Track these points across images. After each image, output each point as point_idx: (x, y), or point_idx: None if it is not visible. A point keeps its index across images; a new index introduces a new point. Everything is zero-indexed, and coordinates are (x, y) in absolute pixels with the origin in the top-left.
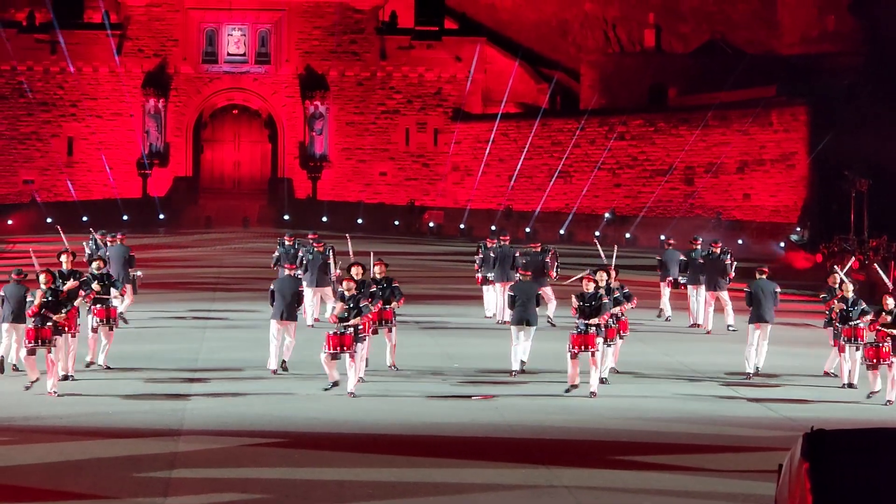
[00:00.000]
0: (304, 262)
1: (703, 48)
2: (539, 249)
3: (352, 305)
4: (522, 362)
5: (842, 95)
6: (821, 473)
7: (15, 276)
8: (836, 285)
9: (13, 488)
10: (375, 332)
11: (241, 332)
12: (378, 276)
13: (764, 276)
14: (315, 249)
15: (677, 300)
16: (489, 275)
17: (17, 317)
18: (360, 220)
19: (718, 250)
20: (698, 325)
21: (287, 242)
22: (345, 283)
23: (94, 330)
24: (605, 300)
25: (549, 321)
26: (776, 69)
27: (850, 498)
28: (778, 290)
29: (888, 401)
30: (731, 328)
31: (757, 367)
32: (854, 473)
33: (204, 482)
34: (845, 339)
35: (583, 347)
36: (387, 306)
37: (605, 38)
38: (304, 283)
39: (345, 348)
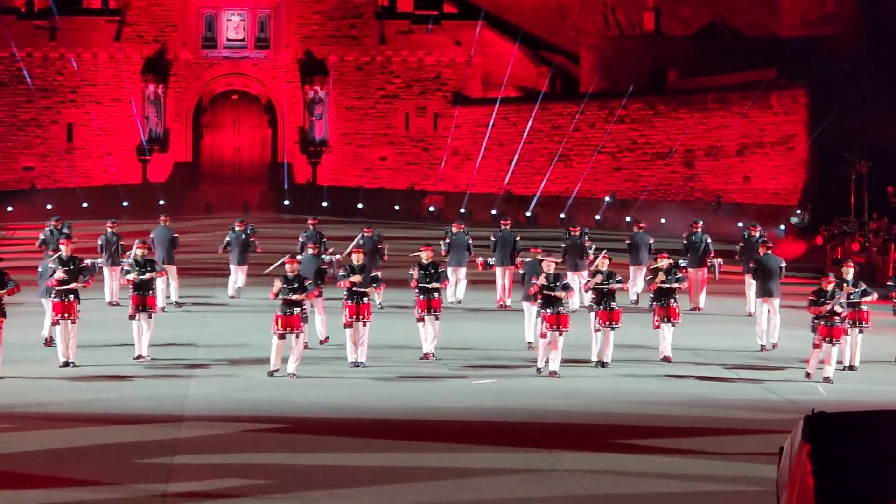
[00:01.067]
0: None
1: (703, 31)
2: (578, 233)
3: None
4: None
5: (842, 78)
6: (822, 455)
7: (52, 253)
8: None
9: (15, 475)
10: (422, 320)
11: (242, 318)
12: (425, 262)
13: (770, 252)
14: (365, 235)
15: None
16: (490, 259)
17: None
18: (360, 205)
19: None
20: (699, 309)
21: (238, 228)
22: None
23: (132, 317)
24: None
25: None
26: (776, 52)
27: (851, 479)
28: (783, 265)
29: (826, 378)
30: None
31: (773, 343)
32: (855, 455)
33: (206, 468)
34: (849, 322)
35: (609, 323)
36: (434, 294)
37: (604, 22)
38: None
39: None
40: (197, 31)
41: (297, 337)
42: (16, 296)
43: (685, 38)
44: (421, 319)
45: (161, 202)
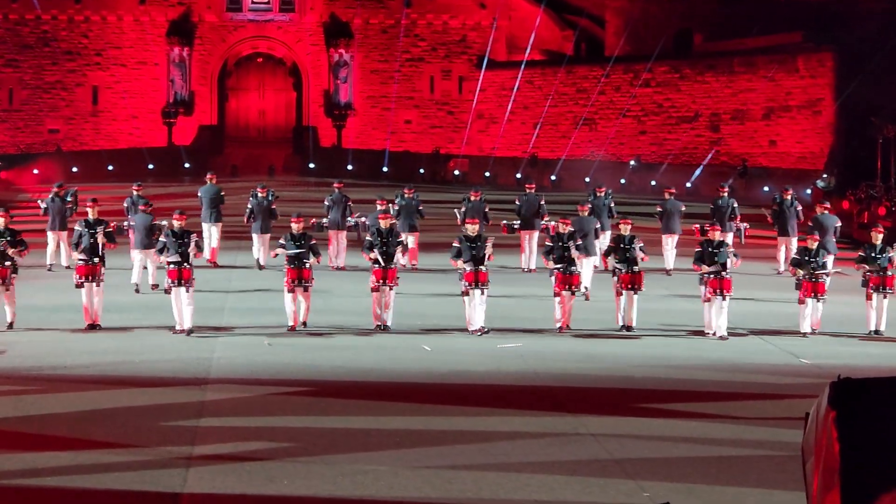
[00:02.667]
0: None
1: None
2: (603, 193)
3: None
4: (586, 288)
5: (869, 41)
6: (848, 422)
7: (142, 207)
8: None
9: (41, 437)
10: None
11: (267, 282)
12: (383, 228)
13: (826, 212)
14: (405, 195)
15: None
16: (515, 223)
17: (146, 244)
18: (385, 168)
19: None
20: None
21: (260, 194)
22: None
23: (168, 291)
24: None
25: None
26: (803, 15)
27: (878, 446)
28: (839, 224)
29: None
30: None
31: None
32: (882, 421)
33: (231, 430)
34: (873, 286)
35: (631, 286)
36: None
37: None
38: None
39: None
40: None
41: (305, 290)
42: (43, 258)
43: (711, 0)
44: (466, 293)
45: (186, 165)
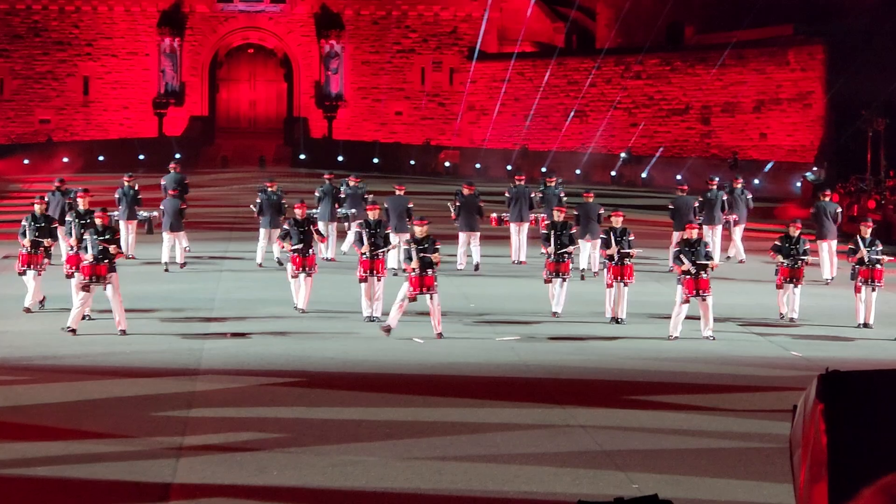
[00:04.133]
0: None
1: None
2: (554, 182)
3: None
4: (588, 269)
5: (860, 34)
6: (835, 414)
7: (171, 192)
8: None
9: (32, 427)
10: (365, 280)
11: (258, 273)
12: (371, 220)
13: (828, 199)
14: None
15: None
16: (505, 215)
17: (175, 226)
18: (375, 160)
19: (739, 187)
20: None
21: (270, 189)
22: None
23: (295, 276)
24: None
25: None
26: (793, 8)
27: (865, 439)
28: (840, 210)
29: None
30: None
31: (832, 277)
32: (869, 414)
33: (221, 421)
34: (861, 280)
35: (621, 278)
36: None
37: None
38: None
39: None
40: None
41: (308, 276)
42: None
43: None
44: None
45: (177, 156)
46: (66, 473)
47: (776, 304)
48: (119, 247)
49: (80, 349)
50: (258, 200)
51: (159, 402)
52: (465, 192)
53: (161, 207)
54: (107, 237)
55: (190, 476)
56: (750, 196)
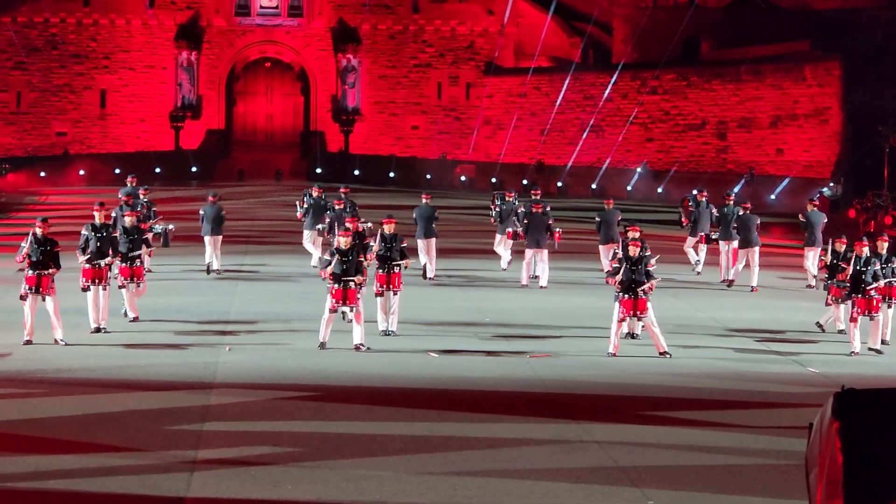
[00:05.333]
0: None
1: (737, 2)
2: (513, 197)
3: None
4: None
5: (876, 50)
6: (851, 433)
7: (211, 199)
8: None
9: (46, 440)
10: (381, 294)
11: (274, 286)
12: (387, 233)
13: (815, 209)
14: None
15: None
16: (520, 229)
17: (215, 230)
18: (391, 174)
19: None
20: (731, 282)
21: (315, 194)
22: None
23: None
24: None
25: None
26: (810, 24)
27: (881, 457)
28: (825, 220)
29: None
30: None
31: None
32: (885, 433)
33: (236, 435)
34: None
35: (635, 313)
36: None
37: None
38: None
39: (347, 302)
40: None
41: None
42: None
43: (719, 8)
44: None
45: (193, 169)
46: (80, 487)
47: (791, 320)
48: (56, 263)
49: (95, 362)
50: (304, 205)
51: (173, 416)
52: (533, 209)
53: (201, 212)
54: (47, 248)
55: (204, 490)
56: (715, 210)
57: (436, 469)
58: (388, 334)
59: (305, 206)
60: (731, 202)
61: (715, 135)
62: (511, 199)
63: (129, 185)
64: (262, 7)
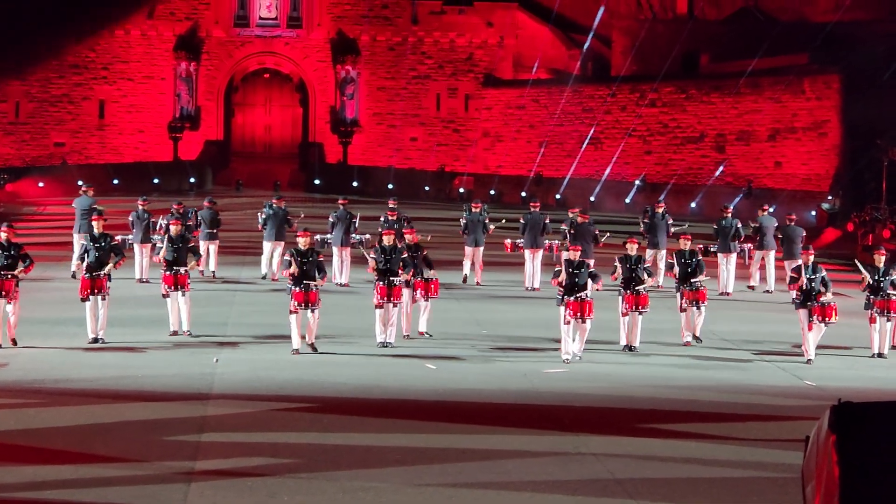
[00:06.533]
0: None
1: (736, 15)
2: (479, 209)
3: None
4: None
5: (875, 63)
6: (848, 446)
7: (207, 204)
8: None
9: (43, 450)
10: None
11: (271, 297)
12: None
13: (766, 213)
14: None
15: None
16: (519, 241)
17: (279, 235)
18: (390, 185)
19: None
20: (727, 294)
21: (342, 204)
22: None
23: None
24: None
25: None
26: (809, 36)
27: (878, 470)
28: (804, 234)
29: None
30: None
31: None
32: (881, 446)
33: (233, 446)
34: (877, 310)
35: (637, 307)
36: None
37: (637, 4)
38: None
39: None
40: (229, 9)
41: (312, 312)
42: (47, 272)
43: (718, 21)
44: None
45: (192, 180)
46: (77, 497)
47: (788, 332)
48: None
49: (92, 372)
50: (330, 220)
51: (171, 427)
52: (580, 220)
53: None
54: (11, 253)
55: (201, 501)
56: (671, 221)
57: (432, 480)
58: (386, 346)
59: (264, 216)
60: (729, 214)
61: (713, 148)
62: (477, 211)
63: (82, 195)
64: (261, 18)
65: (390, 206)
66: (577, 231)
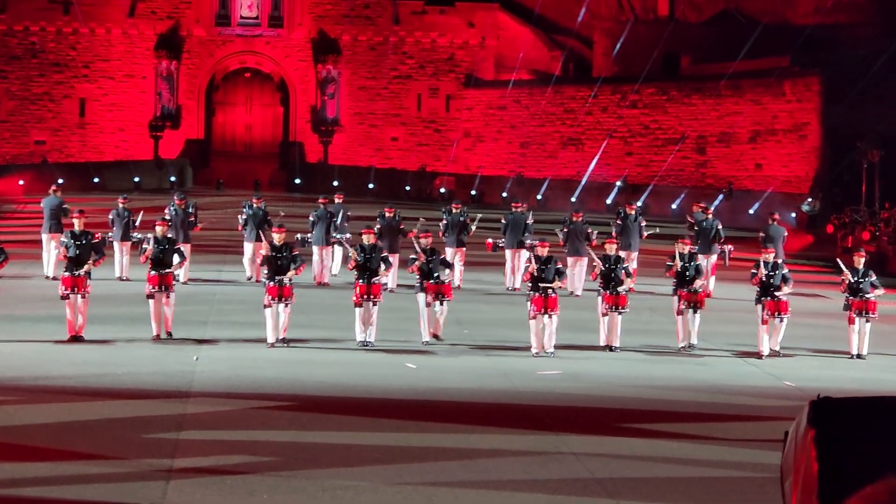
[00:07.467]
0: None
1: (717, 17)
2: (459, 209)
3: None
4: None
5: (855, 66)
6: (827, 441)
7: (178, 200)
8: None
9: (21, 447)
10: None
11: (251, 295)
12: (366, 244)
13: (701, 211)
14: (386, 215)
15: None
16: (500, 241)
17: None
18: (371, 185)
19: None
20: (708, 294)
21: (255, 204)
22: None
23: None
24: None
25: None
26: (790, 39)
27: (857, 466)
28: (786, 234)
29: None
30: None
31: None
32: (861, 442)
33: (212, 444)
34: (856, 311)
35: (616, 307)
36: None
37: (618, 6)
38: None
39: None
40: (210, 8)
41: (285, 307)
42: (27, 269)
43: (699, 23)
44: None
45: (172, 178)
46: (55, 494)
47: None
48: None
49: (72, 370)
50: (243, 216)
51: (150, 424)
52: (574, 218)
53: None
54: None
55: (180, 498)
56: (644, 223)
57: (412, 479)
58: (367, 345)
59: (244, 217)
60: (710, 216)
61: (694, 149)
62: (458, 211)
63: (51, 194)
64: (242, 17)
65: (335, 198)
66: (571, 230)
